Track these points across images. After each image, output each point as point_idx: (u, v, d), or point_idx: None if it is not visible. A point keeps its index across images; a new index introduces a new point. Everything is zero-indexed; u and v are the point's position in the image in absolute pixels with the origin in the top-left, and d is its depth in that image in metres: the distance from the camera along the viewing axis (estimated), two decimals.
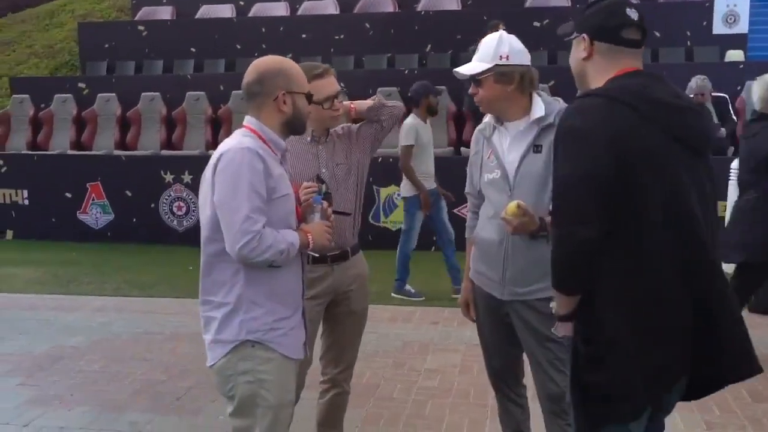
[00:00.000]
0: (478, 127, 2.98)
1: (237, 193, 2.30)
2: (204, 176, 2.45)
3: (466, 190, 3.04)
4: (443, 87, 9.66)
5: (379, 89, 9.16)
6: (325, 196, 2.63)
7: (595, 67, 2.17)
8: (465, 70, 2.80)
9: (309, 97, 2.53)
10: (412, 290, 6.58)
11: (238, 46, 11.44)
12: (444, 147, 9.31)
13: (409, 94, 6.55)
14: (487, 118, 2.94)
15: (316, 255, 2.99)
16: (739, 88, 8.76)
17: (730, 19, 9.97)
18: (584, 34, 2.17)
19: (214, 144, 10.08)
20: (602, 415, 2.09)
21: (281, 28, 11.39)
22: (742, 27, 10.17)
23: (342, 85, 3.27)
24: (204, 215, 2.42)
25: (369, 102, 3.28)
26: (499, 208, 2.70)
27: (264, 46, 11.25)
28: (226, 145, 2.41)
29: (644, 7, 10.67)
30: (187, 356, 5.06)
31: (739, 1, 9.88)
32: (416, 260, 6.71)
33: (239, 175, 2.30)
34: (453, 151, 9.38)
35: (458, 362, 4.92)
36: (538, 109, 2.75)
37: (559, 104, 2.78)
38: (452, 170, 7.99)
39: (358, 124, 3.29)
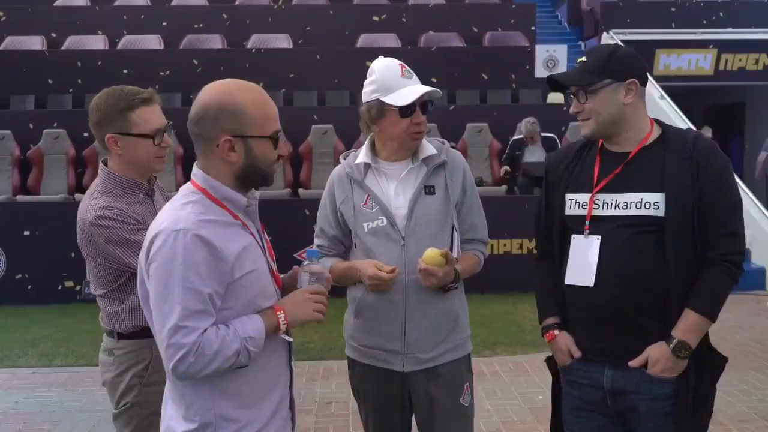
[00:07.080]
0: (341, 170, 2.54)
1: (167, 295, 1.78)
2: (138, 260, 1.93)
3: (318, 242, 2.59)
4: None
5: None
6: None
7: (635, 110, 2.22)
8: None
9: (274, 140, 1.92)
10: None
11: (50, 81, 10.48)
12: (281, 189, 8.99)
13: None
14: (360, 158, 2.50)
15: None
16: (563, 128, 9.20)
17: (550, 63, 10.50)
18: (634, 80, 2.19)
19: (22, 189, 9.08)
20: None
21: (99, 63, 10.57)
22: (561, 71, 10.68)
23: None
24: (147, 310, 1.90)
25: None
26: (391, 261, 2.35)
27: (80, 81, 10.43)
28: (161, 221, 1.84)
29: (471, 51, 11.10)
30: None
31: (558, 47, 10.45)
32: None
33: (170, 271, 1.77)
34: (290, 193, 9.07)
35: (311, 424, 4.54)
36: (428, 147, 2.48)
37: (445, 144, 2.54)
38: (290, 213, 7.69)
39: None
